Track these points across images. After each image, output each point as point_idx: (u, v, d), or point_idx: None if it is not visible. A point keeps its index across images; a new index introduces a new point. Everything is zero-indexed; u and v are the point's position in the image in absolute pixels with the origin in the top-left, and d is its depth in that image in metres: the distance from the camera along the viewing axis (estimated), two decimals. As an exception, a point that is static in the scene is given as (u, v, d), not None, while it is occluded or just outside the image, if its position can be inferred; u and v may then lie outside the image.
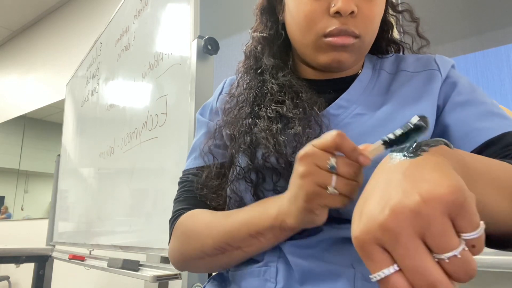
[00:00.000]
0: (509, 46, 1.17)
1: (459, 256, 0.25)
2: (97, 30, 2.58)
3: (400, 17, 0.67)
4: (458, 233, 0.25)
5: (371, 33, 0.57)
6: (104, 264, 1.56)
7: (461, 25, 1.29)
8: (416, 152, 0.31)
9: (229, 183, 0.58)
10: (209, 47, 1.20)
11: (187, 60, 1.24)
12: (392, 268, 0.26)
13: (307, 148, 0.42)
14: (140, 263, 1.40)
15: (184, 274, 1.07)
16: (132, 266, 1.39)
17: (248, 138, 0.56)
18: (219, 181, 0.60)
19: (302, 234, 0.52)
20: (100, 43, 2.18)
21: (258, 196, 0.54)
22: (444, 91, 0.58)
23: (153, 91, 1.46)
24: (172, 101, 1.32)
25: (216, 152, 0.63)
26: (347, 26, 0.54)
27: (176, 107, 1.29)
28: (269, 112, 0.56)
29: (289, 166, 0.52)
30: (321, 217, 0.44)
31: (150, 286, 2.05)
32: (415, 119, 0.33)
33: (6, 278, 3.72)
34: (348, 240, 0.50)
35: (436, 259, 0.25)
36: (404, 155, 0.31)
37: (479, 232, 0.25)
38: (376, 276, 0.26)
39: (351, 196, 0.42)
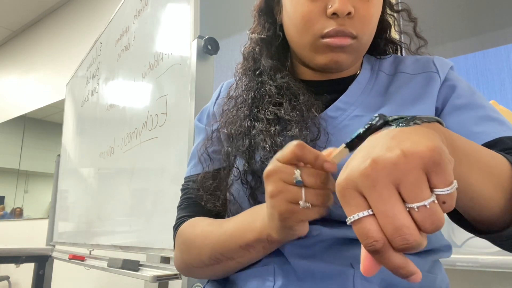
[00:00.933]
0: (509, 46, 1.17)
1: (427, 206, 0.27)
2: (97, 30, 2.58)
3: (399, 17, 0.67)
4: (431, 188, 0.28)
5: (368, 33, 0.57)
6: (104, 264, 1.56)
7: (461, 25, 1.29)
8: (408, 123, 0.33)
9: (228, 186, 0.59)
10: (209, 47, 1.20)
11: (187, 60, 1.24)
12: (366, 212, 0.28)
13: (272, 165, 0.41)
14: (140, 263, 1.40)
15: (184, 274, 1.07)
16: (132, 266, 1.39)
17: (247, 141, 0.56)
18: (216, 183, 0.61)
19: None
20: (100, 43, 2.18)
21: (254, 199, 0.54)
22: (442, 94, 0.58)
23: (153, 91, 1.46)
24: (172, 101, 1.32)
25: (214, 157, 0.63)
26: (344, 27, 0.54)
27: (176, 107, 1.29)
28: (268, 114, 0.56)
29: None
30: (302, 230, 0.43)
31: (150, 286, 2.05)
32: (375, 118, 0.35)
33: (6, 278, 3.72)
34: (347, 240, 0.50)
35: (408, 208, 0.27)
36: (397, 125, 0.33)
37: (451, 189, 0.27)
38: (351, 218, 0.29)
39: (326, 205, 0.41)
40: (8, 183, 4.75)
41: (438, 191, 0.27)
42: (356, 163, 0.29)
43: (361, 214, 0.28)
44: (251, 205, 0.54)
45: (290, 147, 0.40)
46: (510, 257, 0.84)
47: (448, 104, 0.56)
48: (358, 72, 0.63)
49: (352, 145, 0.36)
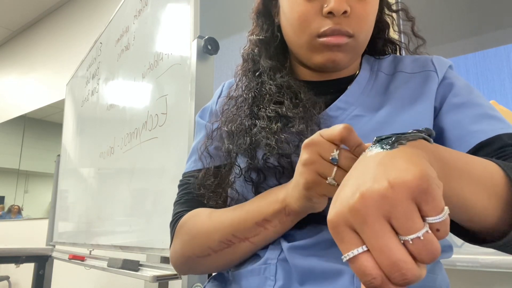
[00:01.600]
0: (509, 46, 1.17)
1: (422, 238, 0.26)
2: (97, 30, 2.58)
3: (398, 17, 0.67)
4: (423, 217, 0.27)
5: (365, 32, 0.57)
6: (104, 264, 1.56)
7: (461, 25, 1.29)
8: (393, 144, 0.32)
9: (230, 184, 0.58)
10: (209, 47, 1.20)
11: (187, 60, 1.24)
12: (361, 249, 0.27)
13: (314, 137, 0.43)
14: (140, 263, 1.40)
15: (184, 274, 1.07)
16: (132, 266, 1.39)
17: (248, 139, 0.56)
18: (217, 180, 0.60)
19: (303, 232, 0.52)
20: (100, 43, 2.18)
21: (259, 193, 0.54)
22: (440, 93, 0.58)
23: (153, 91, 1.46)
24: (172, 101, 1.32)
25: (215, 154, 0.63)
26: (340, 25, 0.54)
27: (176, 107, 1.29)
28: (269, 112, 0.57)
29: (290, 165, 0.52)
30: (321, 204, 0.46)
31: (150, 286, 2.05)
32: (422, 129, 0.36)
33: (6, 278, 3.72)
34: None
35: (402, 241, 0.27)
36: (382, 147, 0.32)
37: (443, 216, 0.27)
38: (346, 256, 0.28)
39: None
40: (8, 183, 4.76)
41: (430, 219, 0.27)
42: (344, 197, 0.29)
43: (355, 252, 0.28)
44: None
45: (339, 127, 0.41)
46: (510, 257, 0.84)
47: (446, 103, 0.57)
48: (357, 72, 0.63)
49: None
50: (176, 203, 0.65)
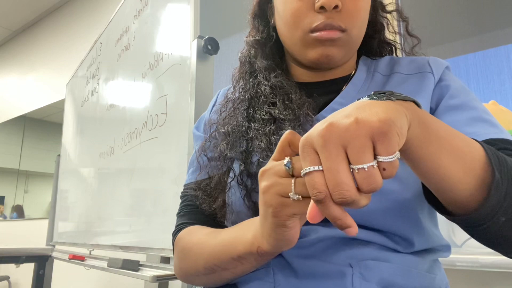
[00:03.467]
0: (509, 46, 1.17)
1: (366, 169, 0.30)
2: (97, 30, 2.58)
3: (393, 18, 0.67)
4: (375, 155, 0.31)
5: (357, 27, 0.58)
6: (104, 264, 1.56)
7: (461, 25, 1.29)
8: (381, 97, 0.36)
9: (226, 190, 0.59)
10: (209, 47, 1.20)
11: (187, 60, 1.24)
12: (317, 167, 0.32)
13: (267, 164, 0.41)
14: (140, 263, 1.40)
15: (184, 274, 1.07)
16: (132, 266, 1.39)
17: (244, 142, 0.57)
18: (213, 183, 0.61)
19: (301, 232, 0.52)
20: (100, 43, 2.18)
21: (249, 199, 0.54)
22: (436, 94, 0.58)
23: (153, 91, 1.46)
24: (172, 101, 1.32)
25: (212, 165, 0.63)
26: (332, 19, 0.55)
27: (176, 107, 1.29)
28: (263, 114, 0.57)
29: None
30: (293, 231, 0.42)
31: (150, 286, 2.05)
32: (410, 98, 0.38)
33: (6, 278, 3.72)
34: (346, 240, 0.50)
35: (351, 169, 0.31)
36: (370, 98, 0.36)
37: (392, 158, 0.31)
38: (304, 170, 0.33)
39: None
40: (8, 183, 4.75)
41: (380, 158, 0.31)
42: (318, 125, 0.33)
43: (311, 168, 0.32)
44: (246, 206, 0.54)
45: (283, 135, 0.41)
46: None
47: (441, 104, 0.57)
48: (353, 72, 0.63)
49: None
50: (178, 215, 0.66)
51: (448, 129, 0.41)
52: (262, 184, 0.41)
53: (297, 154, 0.40)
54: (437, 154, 0.39)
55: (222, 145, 0.60)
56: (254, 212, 0.54)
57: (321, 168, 0.32)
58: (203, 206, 0.61)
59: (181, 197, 0.68)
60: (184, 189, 0.68)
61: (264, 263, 0.50)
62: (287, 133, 0.40)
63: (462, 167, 0.40)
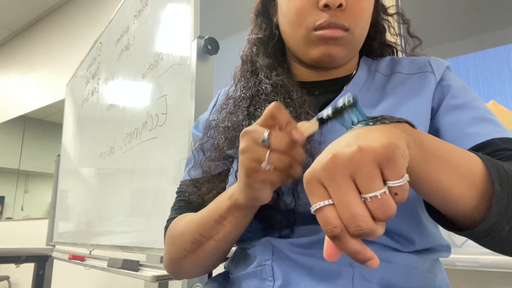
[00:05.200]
0: (509, 46, 1.17)
1: (379, 197, 0.30)
2: (97, 30, 2.58)
3: (395, 20, 0.68)
4: (385, 181, 0.30)
5: (360, 26, 0.58)
6: (104, 264, 1.56)
7: (461, 25, 1.29)
8: (375, 122, 0.36)
9: (226, 184, 0.59)
10: (209, 47, 1.20)
11: (187, 60, 1.24)
12: (327, 201, 0.31)
13: (251, 125, 0.44)
14: (140, 263, 1.40)
15: (184, 274, 1.07)
16: (132, 266, 1.39)
17: None
18: (207, 176, 0.62)
19: (301, 231, 0.52)
20: (100, 43, 2.18)
21: None
22: (438, 94, 0.58)
23: (153, 91, 1.46)
24: (172, 101, 1.32)
25: (210, 165, 0.63)
26: (336, 18, 0.55)
27: (176, 107, 1.29)
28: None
29: None
30: (264, 192, 0.46)
31: (150, 286, 2.05)
32: (347, 97, 0.37)
33: (6, 278, 3.72)
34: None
35: (363, 199, 0.30)
36: (365, 125, 0.36)
37: (402, 182, 0.30)
38: (314, 207, 0.31)
39: (289, 173, 0.44)
40: (8, 183, 4.75)
41: (390, 183, 0.30)
42: (320, 158, 0.32)
43: (322, 203, 0.31)
44: None
45: (269, 107, 0.42)
46: (510, 257, 0.84)
47: (443, 104, 0.57)
48: (354, 72, 0.63)
49: (322, 120, 0.39)
50: (171, 209, 0.67)
51: (444, 146, 0.41)
52: (241, 144, 0.44)
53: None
54: (436, 172, 0.39)
55: (221, 138, 0.60)
56: None
57: (331, 202, 0.31)
58: (191, 198, 0.62)
59: (177, 192, 0.69)
60: (180, 185, 0.69)
61: (243, 226, 0.53)
62: (273, 105, 0.42)
63: (462, 182, 0.40)
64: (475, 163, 0.42)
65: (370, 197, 0.30)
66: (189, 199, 0.63)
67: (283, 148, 0.42)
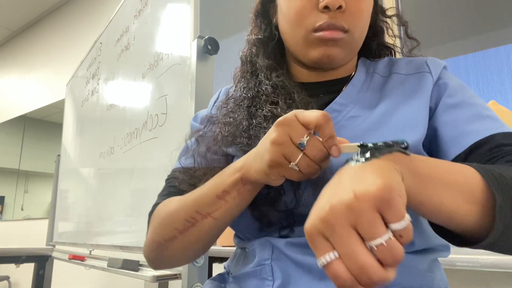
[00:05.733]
0: (509, 46, 1.17)
1: (385, 244, 0.29)
2: (97, 30, 2.58)
3: (393, 22, 0.68)
4: (387, 224, 0.30)
5: (360, 28, 0.58)
6: (104, 264, 1.57)
7: (461, 25, 1.29)
8: (368, 158, 0.35)
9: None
10: (209, 47, 1.20)
11: (187, 60, 1.24)
12: (333, 255, 0.30)
13: (289, 116, 0.44)
14: (140, 263, 1.40)
15: (184, 274, 1.07)
16: (132, 266, 1.39)
17: (245, 140, 0.56)
18: (198, 167, 0.61)
19: (301, 230, 0.52)
20: (100, 43, 2.18)
21: None
22: (435, 93, 0.58)
23: (153, 91, 1.46)
24: (172, 101, 1.32)
25: (204, 157, 0.62)
26: (336, 19, 0.55)
27: (176, 107, 1.29)
28: (265, 113, 0.57)
29: None
30: (276, 181, 0.47)
31: (150, 286, 2.05)
32: (399, 141, 0.38)
33: (6, 278, 3.72)
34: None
35: (369, 247, 0.29)
36: (357, 161, 0.35)
37: (404, 223, 0.29)
38: (320, 262, 0.31)
39: (310, 176, 0.45)
40: (8, 183, 4.75)
41: (393, 226, 0.29)
42: (318, 207, 0.32)
43: (328, 258, 0.30)
44: None
45: (316, 113, 0.42)
46: (510, 257, 0.84)
47: (440, 103, 0.57)
48: (353, 73, 0.63)
49: (364, 147, 0.38)
50: (159, 195, 0.65)
51: (439, 166, 0.41)
52: (275, 135, 0.44)
53: (316, 133, 0.44)
54: (436, 195, 0.39)
55: (219, 134, 0.60)
56: (249, 205, 0.54)
57: (336, 255, 0.30)
58: (181, 187, 0.60)
59: (167, 179, 0.67)
60: (171, 172, 0.67)
61: (244, 204, 0.51)
62: (321, 116, 0.42)
63: (463, 199, 0.40)
64: (473, 177, 0.41)
65: (376, 245, 0.29)
66: (180, 187, 0.61)
67: (317, 159, 0.43)
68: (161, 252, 0.57)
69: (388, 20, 0.68)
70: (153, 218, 0.60)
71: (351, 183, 0.32)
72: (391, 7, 0.69)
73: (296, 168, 0.43)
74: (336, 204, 0.30)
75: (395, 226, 0.29)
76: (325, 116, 0.42)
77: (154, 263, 0.60)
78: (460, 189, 0.40)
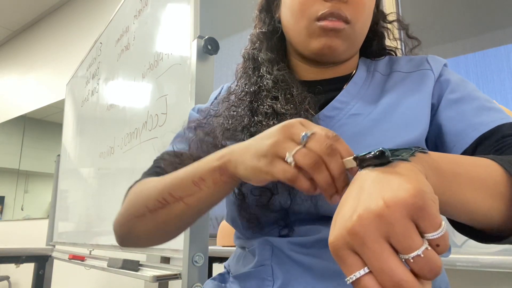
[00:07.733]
0: (509, 46, 1.17)
1: (422, 255, 0.26)
2: (97, 30, 2.58)
3: (393, 27, 0.69)
4: (421, 233, 0.27)
5: (362, 20, 0.58)
6: (104, 264, 1.56)
7: (461, 25, 1.29)
8: (390, 161, 0.32)
9: None
10: (209, 47, 1.20)
11: (187, 60, 1.24)
12: (363, 271, 0.27)
13: (294, 122, 0.41)
14: (140, 263, 1.40)
15: (184, 274, 1.07)
16: (132, 266, 1.39)
17: (247, 136, 0.56)
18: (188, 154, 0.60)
19: (301, 230, 0.52)
20: (100, 43, 2.18)
21: (240, 190, 0.55)
22: (437, 90, 0.58)
23: (153, 91, 1.46)
24: (172, 101, 1.32)
25: (199, 146, 0.62)
26: (339, 9, 0.55)
27: (176, 107, 1.29)
28: (266, 108, 0.57)
29: None
30: (259, 180, 0.42)
31: (150, 286, 2.05)
32: (394, 150, 0.33)
33: (6, 278, 3.72)
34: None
35: (403, 260, 0.27)
36: (379, 163, 0.32)
37: (441, 232, 0.27)
38: (349, 279, 0.28)
39: (299, 184, 0.39)
40: (8, 183, 4.75)
41: (429, 235, 0.27)
42: (343, 217, 0.29)
43: (358, 274, 0.27)
44: (234, 194, 0.55)
45: (325, 134, 0.39)
46: (510, 257, 0.84)
47: (443, 99, 0.57)
48: (354, 71, 0.63)
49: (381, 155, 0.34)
50: (143, 173, 0.64)
51: (460, 161, 0.40)
52: (288, 121, 0.41)
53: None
54: (459, 192, 0.38)
55: (219, 126, 0.59)
56: (241, 201, 0.54)
57: (367, 271, 0.27)
58: (168, 170, 0.58)
59: (155, 160, 0.66)
60: (160, 154, 0.66)
61: (217, 196, 0.48)
62: (333, 136, 0.38)
63: (487, 194, 0.39)
64: (494, 170, 0.40)
65: (412, 258, 0.26)
66: (166, 169, 0.60)
67: (315, 155, 0.38)
68: (129, 228, 0.56)
69: (389, 25, 0.68)
70: (129, 193, 0.59)
71: (377, 189, 0.29)
72: (391, 12, 0.69)
73: (292, 160, 0.38)
74: (364, 214, 0.27)
75: (432, 235, 0.27)
76: (335, 137, 0.39)
77: (121, 239, 0.59)
78: (484, 183, 0.39)
